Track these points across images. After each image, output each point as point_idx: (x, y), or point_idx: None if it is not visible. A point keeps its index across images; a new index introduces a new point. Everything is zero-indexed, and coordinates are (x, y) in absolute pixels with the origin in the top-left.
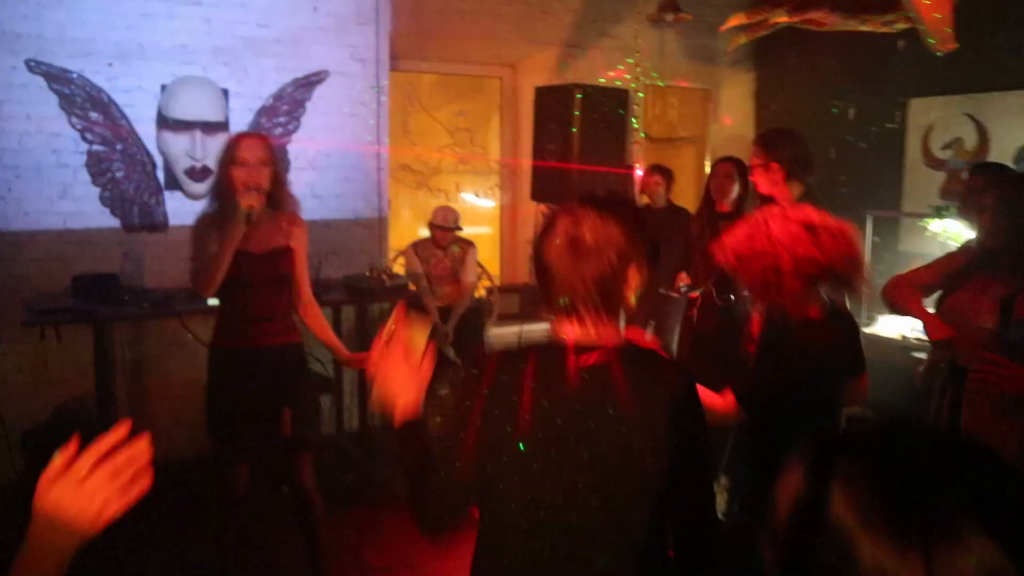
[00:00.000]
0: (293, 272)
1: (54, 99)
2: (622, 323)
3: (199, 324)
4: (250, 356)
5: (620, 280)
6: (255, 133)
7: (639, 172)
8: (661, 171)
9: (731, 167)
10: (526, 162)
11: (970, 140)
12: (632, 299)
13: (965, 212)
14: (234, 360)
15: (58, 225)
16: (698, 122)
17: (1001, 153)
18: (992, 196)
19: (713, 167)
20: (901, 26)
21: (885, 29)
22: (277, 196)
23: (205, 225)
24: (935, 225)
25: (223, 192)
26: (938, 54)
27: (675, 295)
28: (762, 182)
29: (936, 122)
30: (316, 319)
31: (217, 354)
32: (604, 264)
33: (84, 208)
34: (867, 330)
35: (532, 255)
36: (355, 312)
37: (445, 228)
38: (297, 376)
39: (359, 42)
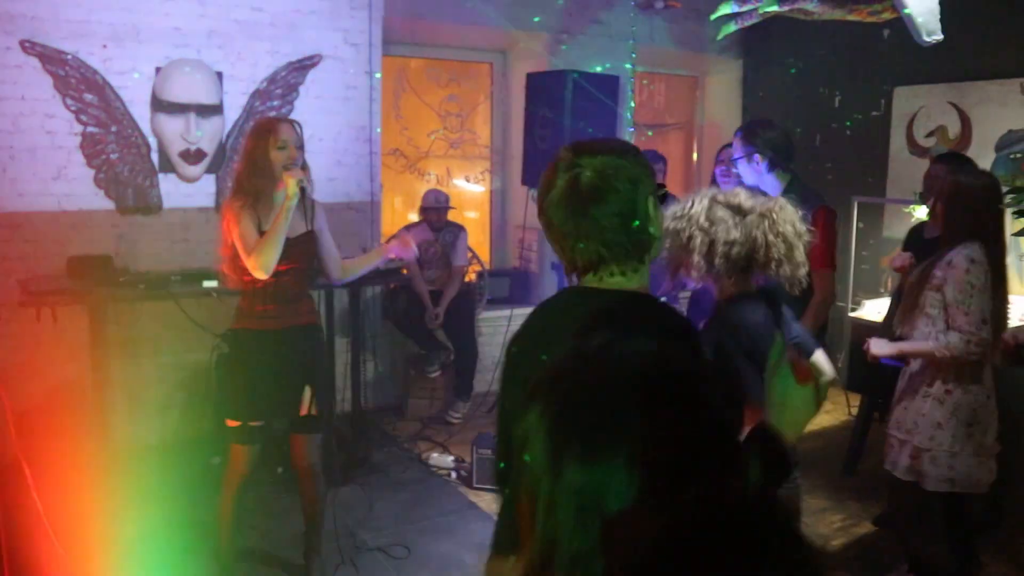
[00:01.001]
0: (319, 254)
1: (49, 80)
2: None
3: (194, 306)
4: (276, 337)
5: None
6: (288, 118)
7: None
8: (656, 157)
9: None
10: (517, 147)
11: (953, 128)
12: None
13: (925, 199)
14: (259, 342)
15: (53, 207)
16: (686, 109)
17: (983, 140)
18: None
19: (718, 153)
20: (887, 16)
21: (872, 19)
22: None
23: (241, 208)
24: (920, 211)
25: (261, 174)
26: (925, 45)
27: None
28: (746, 173)
29: (920, 110)
30: (348, 273)
31: (242, 336)
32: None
33: (78, 190)
34: (853, 314)
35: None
36: (348, 295)
37: (436, 207)
38: (318, 356)
39: (352, 26)
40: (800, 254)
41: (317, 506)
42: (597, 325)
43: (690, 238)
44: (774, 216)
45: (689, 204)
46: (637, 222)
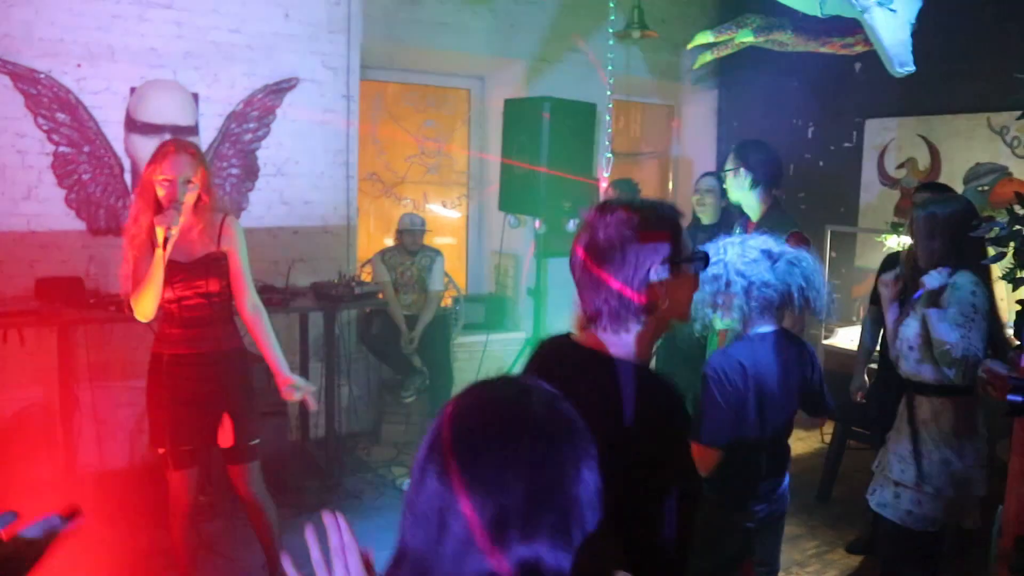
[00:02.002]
0: (227, 277)
1: (20, 99)
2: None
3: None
4: (188, 362)
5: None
6: (189, 147)
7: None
8: (626, 186)
9: (713, 180)
10: (494, 173)
11: (923, 160)
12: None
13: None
14: (171, 367)
15: (22, 227)
16: (661, 138)
17: (951, 172)
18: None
19: (696, 182)
20: (860, 49)
21: (844, 51)
22: (206, 201)
23: (130, 239)
24: (891, 241)
25: (146, 205)
26: (897, 76)
27: None
28: (732, 187)
29: (891, 142)
30: (255, 327)
31: (155, 361)
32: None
33: (49, 210)
34: (826, 342)
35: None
36: (323, 319)
37: (412, 231)
38: (237, 382)
39: (330, 50)
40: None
41: (270, 533)
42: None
43: (728, 282)
44: (803, 264)
45: (723, 249)
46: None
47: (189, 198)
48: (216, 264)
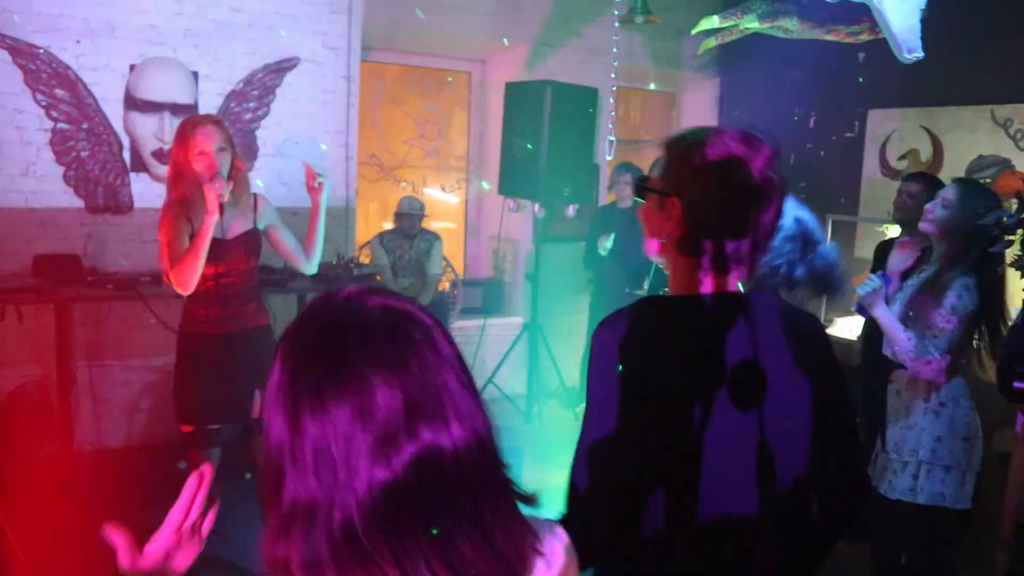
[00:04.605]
0: (279, 251)
1: (19, 74)
2: None
3: (163, 308)
4: (223, 341)
5: None
6: (210, 117)
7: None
8: (629, 170)
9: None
10: (494, 157)
11: (925, 152)
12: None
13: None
14: (207, 346)
15: (20, 203)
16: (661, 125)
17: (953, 164)
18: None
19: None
20: (865, 37)
21: (850, 40)
22: (240, 166)
23: (170, 217)
24: (892, 231)
25: (185, 181)
26: (905, 62)
27: (639, 294)
28: None
29: (893, 133)
30: (310, 246)
31: (189, 341)
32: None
33: (47, 187)
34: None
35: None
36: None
37: (411, 214)
38: (268, 358)
39: (331, 30)
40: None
41: None
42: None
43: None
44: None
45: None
46: None
47: (226, 163)
48: (253, 241)
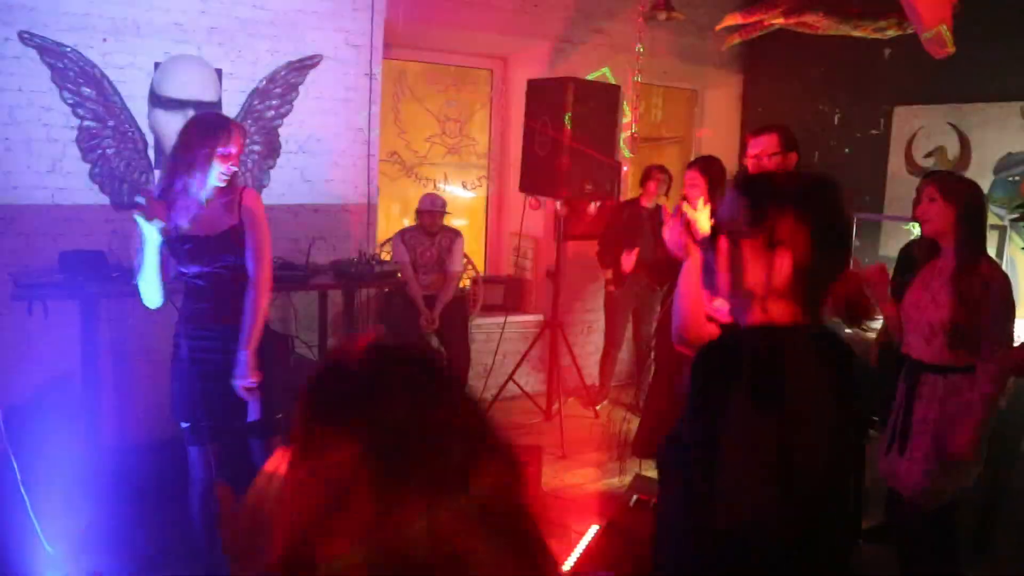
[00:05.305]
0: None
1: (46, 72)
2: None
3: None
4: (214, 336)
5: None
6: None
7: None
8: (663, 171)
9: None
10: (515, 154)
11: (952, 149)
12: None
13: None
14: (198, 342)
15: (46, 200)
16: (683, 123)
17: (982, 162)
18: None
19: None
20: (892, 33)
21: (877, 35)
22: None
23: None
24: (918, 229)
25: (196, 176)
26: (937, 58)
27: (658, 288)
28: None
29: (919, 130)
30: (249, 301)
31: (182, 336)
32: None
33: (73, 184)
34: (849, 331)
35: None
36: (343, 297)
37: (432, 211)
38: (263, 355)
39: (354, 27)
40: None
41: None
42: None
43: None
44: None
45: None
46: None
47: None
48: (238, 236)
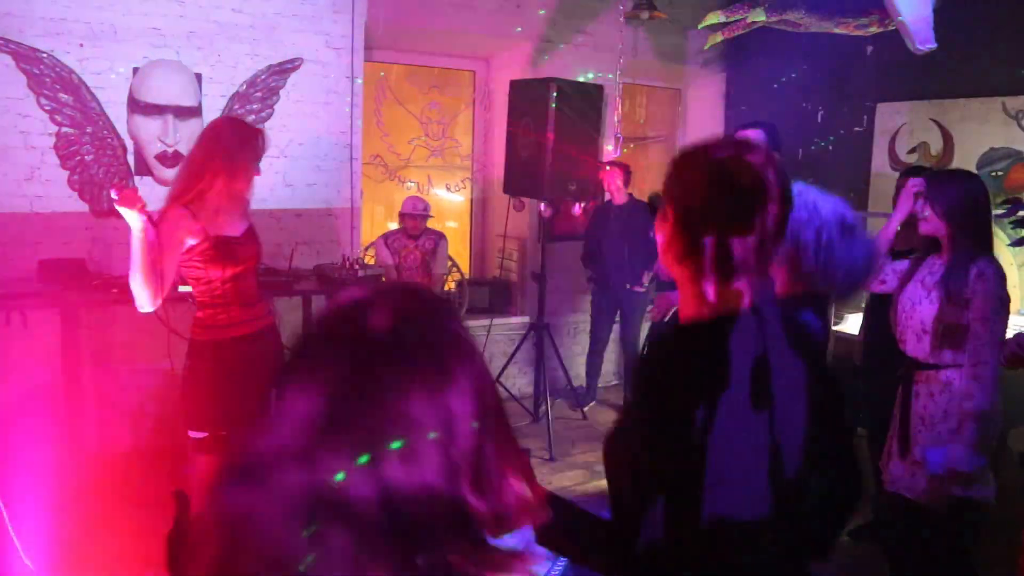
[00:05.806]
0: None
1: (22, 79)
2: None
3: (169, 312)
4: (238, 345)
5: None
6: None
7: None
8: (618, 166)
9: None
10: (499, 156)
11: (935, 145)
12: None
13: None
14: (223, 351)
15: (24, 208)
16: (667, 122)
17: (964, 157)
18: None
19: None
20: (874, 30)
21: (859, 32)
22: None
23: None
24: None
25: (237, 181)
26: (918, 53)
27: (639, 290)
28: None
29: (902, 127)
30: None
31: (203, 348)
32: None
33: (52, 191)
34: (836, 328)
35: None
36: (326, 302)
37: (414, 215)
38: (279, 359)
39: (334, 30)
40: None
41: None
42: None
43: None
44: None
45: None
46: None
47: None
48: (256, 235)
